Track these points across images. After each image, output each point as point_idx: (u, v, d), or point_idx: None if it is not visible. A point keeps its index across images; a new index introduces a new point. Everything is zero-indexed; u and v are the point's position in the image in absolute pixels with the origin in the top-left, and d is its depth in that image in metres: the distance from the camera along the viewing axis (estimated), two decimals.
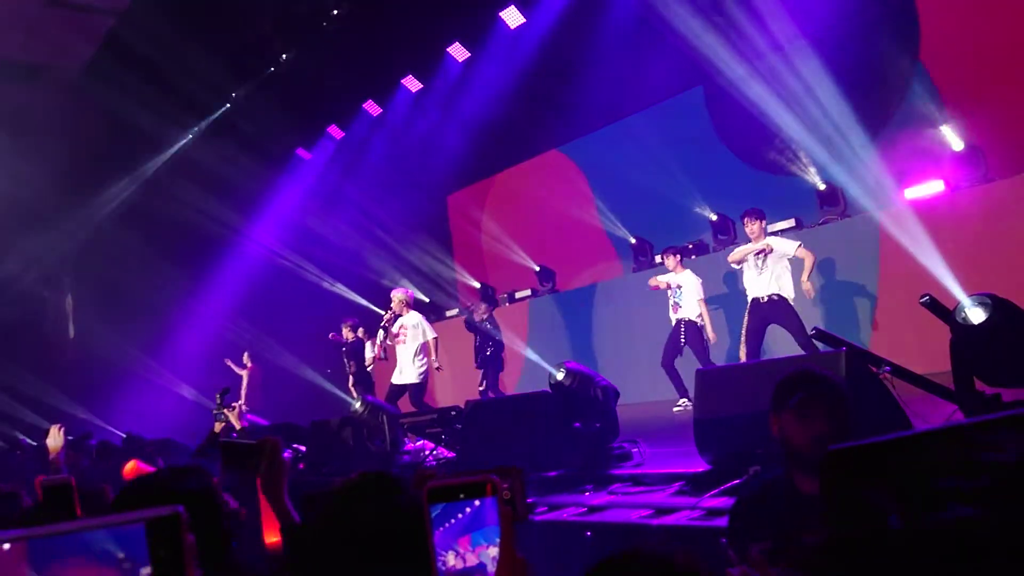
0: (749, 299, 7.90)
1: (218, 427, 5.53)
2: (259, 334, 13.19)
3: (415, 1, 10.58)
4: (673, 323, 8.90)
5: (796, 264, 7.88)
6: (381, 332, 9.53)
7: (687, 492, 4.74)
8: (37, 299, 13.37)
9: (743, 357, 7.82)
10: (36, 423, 12.63)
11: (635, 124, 11.77)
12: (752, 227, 7.91)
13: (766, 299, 7.73)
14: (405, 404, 9.03)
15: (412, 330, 9.20)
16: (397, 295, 9.38)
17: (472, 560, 0.99)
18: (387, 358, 9.61)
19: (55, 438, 4.04)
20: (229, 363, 12.66)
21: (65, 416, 12.07)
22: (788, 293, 7.74)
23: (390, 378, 9.43)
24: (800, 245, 7.85)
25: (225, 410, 5.29)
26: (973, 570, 0.75)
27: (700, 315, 8.76)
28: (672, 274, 8.99)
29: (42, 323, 13.65)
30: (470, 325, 10.34)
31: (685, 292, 8.81)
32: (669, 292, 8.96)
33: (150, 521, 0.60)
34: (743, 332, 7.93)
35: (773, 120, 9.54)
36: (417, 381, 9.18)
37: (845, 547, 0.85)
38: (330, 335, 11.40)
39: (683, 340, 8.74)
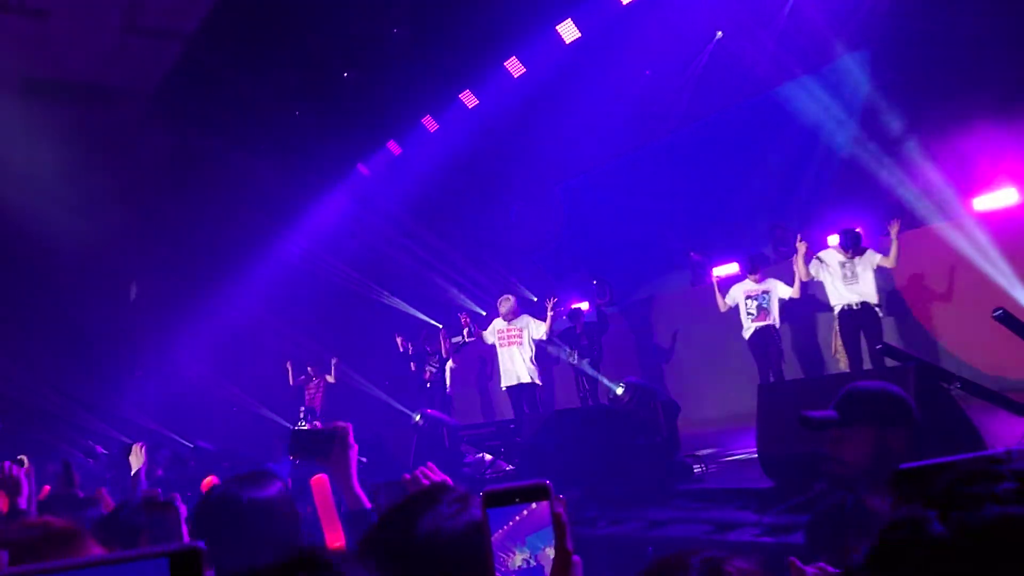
0: (837, 309, 7.81)
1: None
2: (321, 350, 13.41)
3: (472, 18, 10.70)
4: (751, 334, 8.75)
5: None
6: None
7: (750, 508, 4.69)
8: (104, 312, 13.77)
9: (844, 367, 7.74)
10: (105, 432, 13.07)
11: (695, 133, 11.69)
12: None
13: (858, 306, 7.67)
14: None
15: (526, 331, 9.25)
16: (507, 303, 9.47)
17: (532, 563, 1.02)
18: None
19: (137, 456, 4.20)
20: (290, 374, 12.86)
21: (135, 427, 12.46)
22: (873, 300, 7.71)
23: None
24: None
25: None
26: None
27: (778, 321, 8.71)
28: (751, 283, 8.83)
29: (109, 337, 14.07)
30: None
31: (773, 298, 8.70)
32: (748, 302, 8.81)
33: (173, 555, 0.63)
34: (837, 342, 7.87)
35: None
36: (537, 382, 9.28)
37: (890, 555, 0.86)
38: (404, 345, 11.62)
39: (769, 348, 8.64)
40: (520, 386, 9.16)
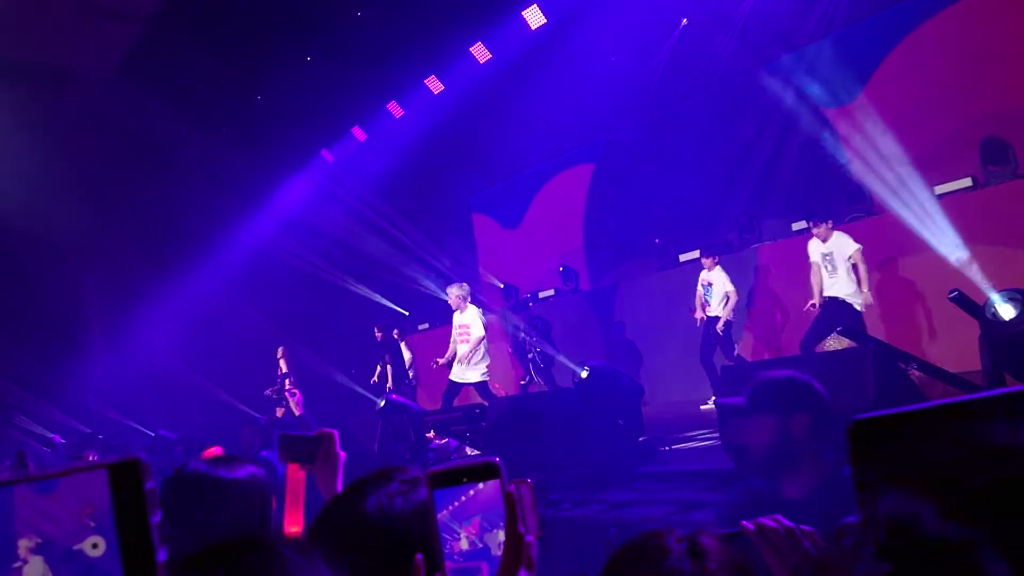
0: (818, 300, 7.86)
1: (279, 412, 5.63)
2: (286, 337, 13.28)
3: (437, 3, 10.63)
4: (701, 321, 8.87)
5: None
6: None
7: (714, 489, 4.72)
8: (62, 298, 13.51)
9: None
10: (66, 424, 12.84)
11: (661, 120, 11.72)
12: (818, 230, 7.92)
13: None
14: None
15: (472, 329, 8.85)
16: (453, 290, 9.07)
17: (478, 544, 0.99)
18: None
19: None
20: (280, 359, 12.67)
21: (95, 416, 12.26)
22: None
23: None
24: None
25: (286, 394, 5.43)
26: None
27: (726, 313, 8.75)
28: (705, 272, 8.94)
29: (67, 323, 13.81)
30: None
31: (715, 291, 8.79)
32: (700, 290, 8.93)
33: (112, 466, 0.63)
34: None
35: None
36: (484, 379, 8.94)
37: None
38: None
39: (713, 337, 8.73)
40: (465, 384, 8.95)
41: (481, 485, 0.99)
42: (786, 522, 1.27)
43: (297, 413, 8.29)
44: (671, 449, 5.75)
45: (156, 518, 0.64)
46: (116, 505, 0.63)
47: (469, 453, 7.30)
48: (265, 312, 13.77)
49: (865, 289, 7.63)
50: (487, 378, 8.93)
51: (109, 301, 13.96)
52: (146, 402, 13.01)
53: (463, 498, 0.99)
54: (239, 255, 14.17)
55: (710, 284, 8.87)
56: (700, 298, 8.93)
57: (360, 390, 11.75)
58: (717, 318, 8.75)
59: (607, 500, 4.98)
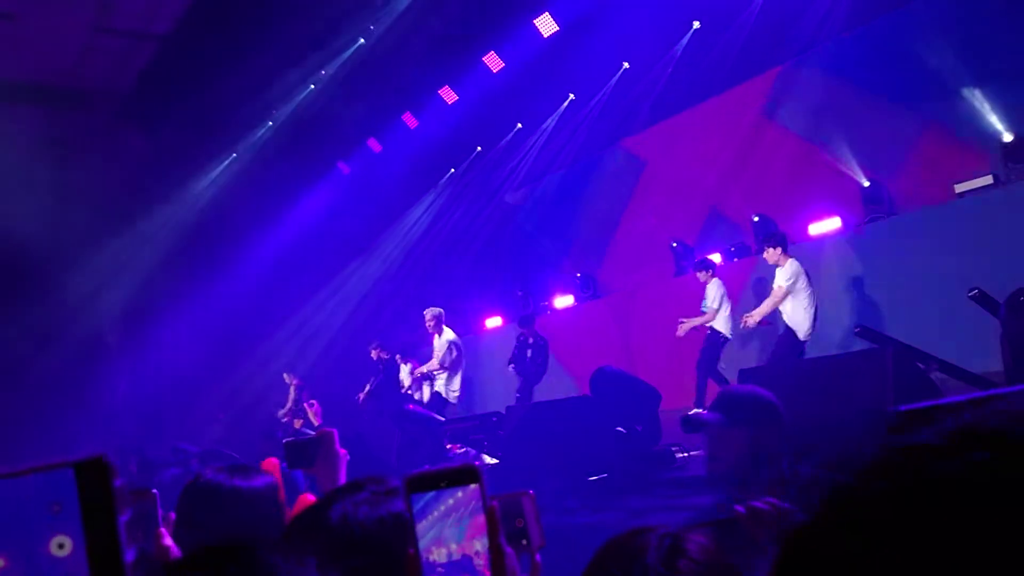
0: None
1: (298, 424, 5.65)
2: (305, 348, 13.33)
3: (450, 17, 10.68)
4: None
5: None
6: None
7: (732, 494, 4.67)
8: (82, 313, 13.62)
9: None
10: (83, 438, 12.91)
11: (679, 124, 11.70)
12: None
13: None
14: None
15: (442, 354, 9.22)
16: (427, 315, 9.40)
17: (458, 553, 0.95)
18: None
19: None
20: (286, 376, 12.73)
21: (115, 429, 12.33)
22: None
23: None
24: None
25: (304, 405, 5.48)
26: None
27: (709, 323, 8.60)
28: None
29: (87, 338, 13.92)
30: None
31: (708, 298, 8.68)
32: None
33: (78, 465, 0.62)
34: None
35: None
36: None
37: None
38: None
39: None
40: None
41: (460, 493, 0.95)
42: (777, 503, 1.30)
43: (316, 424, 8.29)
44: (689, 456, 5.70)
45: (124, 517, 0.63)
46: (83, 504, 0.62)
47: (487, 461, 7.28)
48: (283, 325, 13.85)
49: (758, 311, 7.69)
50: (452, 397, 9.20)
51: (128, 315, 14.06)
52: (166, 414, 13.08)
53: (442, 507, 0.96)
54: (258, 268, 14.26)
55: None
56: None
57: (377, 404, 11.75)
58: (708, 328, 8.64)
59: (625, 507, 4.95)
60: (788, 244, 7.63)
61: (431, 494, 0.95)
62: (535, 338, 10.26)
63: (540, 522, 1.14)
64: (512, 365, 10.37)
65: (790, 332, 7.33)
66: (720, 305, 8.49)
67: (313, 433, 2.21)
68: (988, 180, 8.19)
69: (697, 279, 8.78)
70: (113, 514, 0.62)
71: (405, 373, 10.49)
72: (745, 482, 2.23)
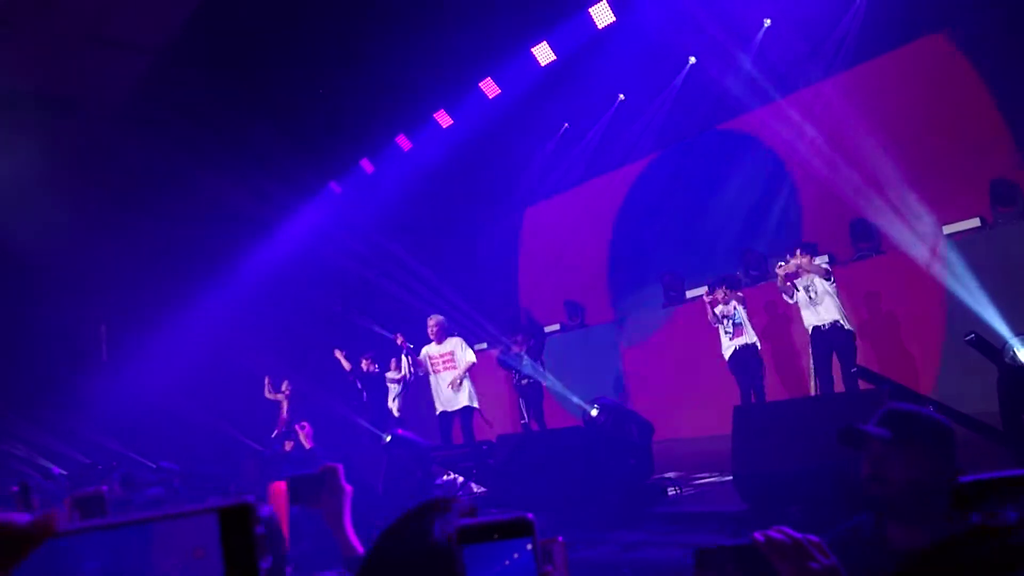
0: (809, 330, 7.80)
1: (288, 446, 5.62)
2: (285, 366, 13.19)
3: (447, 38, 10.71)
4: (730, 353, 8.60)
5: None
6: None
7: (725, 531, 4.65)
8: (65, 327, 13.47)
9: (814, 390, 7.71)
10: (64, 453, 12.73)
11: (666, 158, 11.78)
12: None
13: (827, 326, 7.64)
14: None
15: (457, 354, 9.04)
16: (430, 322, 9.28)
17: None
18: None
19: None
20: (267, 386, 12.63)
21: (96, 447, 12.16)
22: (841, 320, 7.65)
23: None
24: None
25: (296, 427, 5.43)
26: None
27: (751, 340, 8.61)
28: (721, 305, 8.77)
29: (70, 353, 13.77)
30: (503, 362, 10.29)
31: (742, 312, 8.61)
32: (726, 321, 8.75)
33: (223, 511, 0.64)
34: (811, 364, 7.84)
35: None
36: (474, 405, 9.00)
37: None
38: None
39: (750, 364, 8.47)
40: (457, 411, 8.96)
41: (516, 554, 0.92)
42: (794, 533, 1.28)
43: (307, 447, 8.21)
44: (681, 492, 5.67)
45: (266, 564, 0.63)
46: (226, 548, 0.64)
47: (475, 490, 7.21)
48: (271, 344, 13.71)
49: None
50: (476, 405, 8.98)
51: (112, 330, 13.91)
52: (148, 433, 12.89)
53: (494, 558, 0.93)
54: (245, 287, 14.15)
55: (736, 309, 8.62)
56: (726, 327, 8.62)
57: (366, 424, 11.66)
58: (755, 346, 8.55)
59: (617, 541, 4.90)
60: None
61: (482, 545, 0.93)
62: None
63: (568, 569, 1.12)
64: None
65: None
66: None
67: (305, 450, 2.17)
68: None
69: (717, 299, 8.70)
70: (255, 559, 0.64)
71: (405, 367, 10.41)
72: (906, 511, 2.04)
